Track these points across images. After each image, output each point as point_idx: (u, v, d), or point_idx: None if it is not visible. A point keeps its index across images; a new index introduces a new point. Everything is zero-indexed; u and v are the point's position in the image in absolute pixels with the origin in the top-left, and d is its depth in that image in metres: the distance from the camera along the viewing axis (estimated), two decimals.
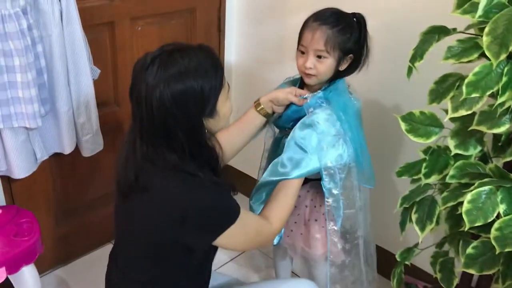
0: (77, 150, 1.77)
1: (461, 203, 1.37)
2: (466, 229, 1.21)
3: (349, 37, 1.35)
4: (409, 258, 1.55)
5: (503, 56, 1.04)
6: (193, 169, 1.12)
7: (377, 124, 1.87)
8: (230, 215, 1.15)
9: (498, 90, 1.09)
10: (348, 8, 1.40)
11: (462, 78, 1.24)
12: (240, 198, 1.19)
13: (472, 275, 1.52)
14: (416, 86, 1.41)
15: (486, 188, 1.20)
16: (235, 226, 1.14)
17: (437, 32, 1.26)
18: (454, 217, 1.46)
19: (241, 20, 2.25)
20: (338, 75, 1.42)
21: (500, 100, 1.10)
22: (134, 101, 1.12)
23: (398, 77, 1.65)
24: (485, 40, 1.06)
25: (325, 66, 1.37)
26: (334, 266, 1.54)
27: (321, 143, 1.35)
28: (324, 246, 1.57)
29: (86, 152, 1.78)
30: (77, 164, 1.94)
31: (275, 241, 1.60)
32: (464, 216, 1.20)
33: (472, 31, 1.26)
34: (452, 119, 1.34)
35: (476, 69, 1.09)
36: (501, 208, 1.18)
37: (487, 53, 1.06)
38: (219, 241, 1.15)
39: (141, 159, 1.13)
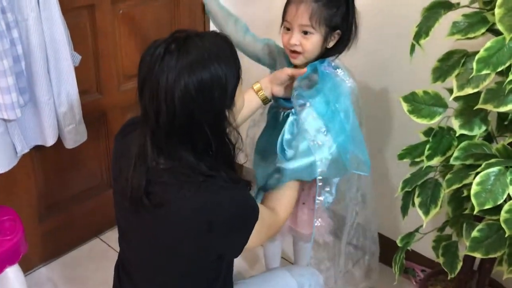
0: (59, 142, 1.67)
1: (466, 185, 1.33)
2: (475, 212, 1.16)
3: (336, 12, 1.27)
4: (410, 243, 1.51)
5: None
6: (210, 168, 1.03)
7: (376, 107, 1.81)
8: (254, 214, 1.08)
9: (509, 66, 1.04)
10: None
11: (467, 54, 1.19)
12: None
13: (475, 258, 1.49)
14: (416, 66, 1.35)
15: (495, 169, 1.16)
16: (256, 225, 1.08)
17: (441, 7, 1.20)
18: (457, 200, 1.42)
19: (227, 0, 2.15)
20: (325, 53, 1.34)
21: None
22: (147, 97, 0.99)
23: (397, 56, 1.62)
24: (497, 12, 1.00)
25: (311, 43, 1.29)
26: (316, 244, 1.52)
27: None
28: (311, 227, 1.53)
29: (69, 144, 1.68)
30: (60, 156, 1.85)
31: None
32: (473, 199, 1.16)
33: (476, 5, 1.20)
34: (456, 98, 1.29)
35: (488, 44, 1.04)
36: (511, 189, 1.14)
37: (499, 27, 1.01)
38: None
39: (153, 164, 1.03)
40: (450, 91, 1.28)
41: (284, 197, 1.27)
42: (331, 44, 1.32)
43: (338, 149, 1.25)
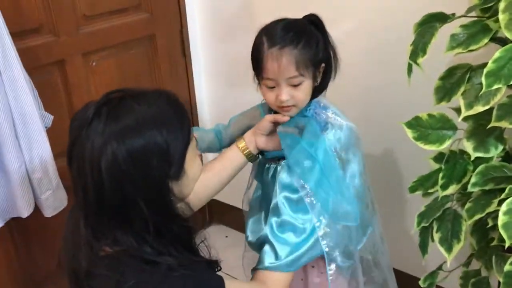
0: (39, 210, 1.53)
1: (490, 213, 1.19)
2: (507, 245, 1.01)
3: (316, 47, 1.12)
4: (434, 283, 1.35)
5: None
6: (156, 252, 0.86)
7: (378, 138, 1.68)
8: None
9: None
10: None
11: (472, 69, 1.07)
12: (225, 231, 0.95)
13: None
14: (416, 88, 1.22)
15: None
16: None
17: (435, 20, 1.08)
18: (481, 229, 1.27)
19: (206, 40, 2.06)
20: (315, 91, 1.18)
21: None
22: (74, 169, 0.85)
23: (393, 79, 1.50)
24: (502, 18, 0.88)
25: (303, 91, 1.13)
26: None
27: None
28: None
29: (48, 212, 1.54)
30: (43, 226, 1.69)
31: None
32: (502, 231, 1.01)
33: (474, 13, 1.08)
34: (465, 118, 1.15)
35: (497, 54, 0.91)
36: None
37: (506, 34, 0.88)
38: None
39: (89, 245, 0.86)
40: (457, 110, 1.15)
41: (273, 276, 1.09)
42: (319, 80, 1.17)
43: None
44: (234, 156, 1.23)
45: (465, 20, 1.07)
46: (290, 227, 1.09)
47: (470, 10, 1.06)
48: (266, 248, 1.11)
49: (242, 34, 1.93)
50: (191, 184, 0.94)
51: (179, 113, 0.88)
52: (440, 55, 1.06)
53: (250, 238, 1.28)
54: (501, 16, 0.88)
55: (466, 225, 1.16)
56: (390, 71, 1.54)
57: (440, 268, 1.34)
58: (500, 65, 0.91)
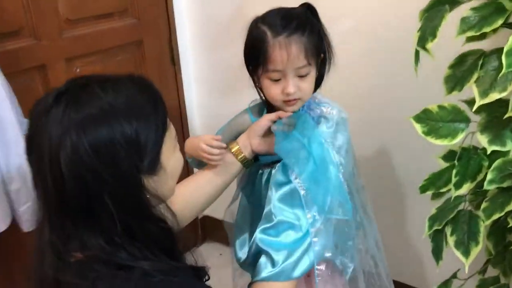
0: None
1: (510, 212, 1.10)
2: None
3: (318, 35, 1.06)
4: None
5: None
6: (131, 256, 0.75)
7: (383, 135, 1.59)
8: None
9: None
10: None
11: (485, 54, 0.99)
12: (219, 249, 0.84)
13: None
14: (422, 81, 1.14)
15: None
16: None
17: (445, 2, 1.00)
18: (499, 231, 1.18)
19: (196, 48, 1.98)
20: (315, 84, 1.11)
21: None
22: (33, 162, 0.75)
23: (398, 73, 1.43)
24: None
25: (311, 83, 1.06)
26: None
27: None
28: None
29: (26, 226, 1.41)
30: (23, 243, 1.57)
31: None
32: None
33: None
34: (477, 111, 1.07)
35: None
36: None
37: None
38: None
39: (55, 255, 0.75)
40: (469, 103, 1.07)
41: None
42: (317, 72, 1.10)
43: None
44: (227, 162, 1.13)
45: (475, 4, 1.00)
46: (286, 226, 1.01)
47: None
48: (261, 259, 1.01)
49: (233, 41, 1.84)
50: (170, 181, 0.83)
51: (152, 100, 0.78)
52: (448, 47, 0.99)
53: (240, 255, 1.17)
54: None
55: (483, 225, 1.07)
56: (393, 67, 1.47)
57: (454, 276, 1.23)
58: None
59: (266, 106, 1.17)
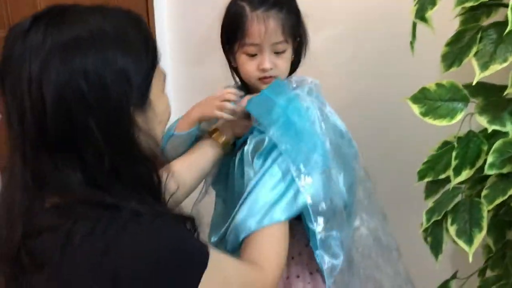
0: None
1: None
2: None
3: (297, 17, 1.06)
4: None
5: None
6: (114, 195, 0.67)
7: (375, 126, 1.54)
8: (195, 260, 0.68)
9: None
10: None
11: (483, 29, 0.97)
12: None
13: None
14: (417, 65, 1.12)
15: None
16: (209, 278, 0.67)
17: None
18: (499, 225, 1.12)
19: (176, 64, 1.94)
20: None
21: None
22: (8, 92, 0.67)
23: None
24: None
25: (286, 61, 1.05)
26: None
27: None
28: None
29: None
30: None
31: None
32: None
33: None
34: (474, 92, 1.05)
35: None
36: None
37: None
38: None
39: (28, 195, 0.67)
40: (466, 86, 1.04)
41: (266, 245, 0.91)
42: (292, 57, 1.08)
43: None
44: (207, 147, 1.06)
45: None
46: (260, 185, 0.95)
47: None
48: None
49: (213, 58, 1.83)
50: (158, 126, 0.75)
51: (143, 32, 0.71)
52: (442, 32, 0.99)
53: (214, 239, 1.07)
54: None
55: (486, 211, 1.01)
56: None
57: (454, 276, 1.16)
58: None
59: (244, 89, 1.13)
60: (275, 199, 0.93)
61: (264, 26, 0.99)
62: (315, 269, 1.16)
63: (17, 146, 0.67)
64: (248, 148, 1.02)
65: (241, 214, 0.94)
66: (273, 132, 0.97)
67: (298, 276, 1.16)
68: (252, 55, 1.03)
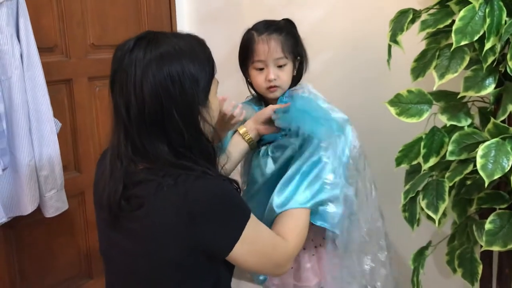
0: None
1: (467, 178, 1.35)
2: (486, 184, 1.16)
3: (295, 40, 1.38)
4: (423, 261, 1.45)
5: None
6: (190, 161, 0.98)
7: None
8: (241, 208, 1.00)
9: (484, 35, 1.14)
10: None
11: (440, 48, 1.29)
12: None
13: (492, 264, 1.44)
14: (392, 77, 1.44)
15: (493, 141, 1.19)
16: (248, 229, 0.99)
17: (407, 11, 1.32)
18: (461, 203, 1.42)
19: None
20: (293, 82, 1.41)
21: (488, 45, 1.14)
22: (117, 90, 0.98)
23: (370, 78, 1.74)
24: None
25: (287, 73, 1.36)
26: None
27: None
28: (316, 275, 1.44)
29: (50, 211, 1.58)
30: (36, 241, 1.71)
31: (262, 277, 1.41)
32: (481, 172, 1.16)
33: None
34: (438, 98, 1.36)
35: (461, 13, 1.14)
36: None
37: None
38: (237, 251, 0.98)
39: (127, 161, 0.98)
40: (431, 93, 1.35)
41: (292, 223, 1.18)
42: (294, 72, 1.40)
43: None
44: (236, 141, 1.36)
45: (431, 12, 1.32)
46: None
47: (427, 9, 1.32)
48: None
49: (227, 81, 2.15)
50: (214, 118, 1.07)
51: (207, 51, 1.04)
52: (411, 52, 1.31)
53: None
54: None
55: (447, 186, 1.30)
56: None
57: (429, 244, 1.44)
58: (465, 22, 1.14)
59: (257, 99, 1.45)
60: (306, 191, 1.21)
61: (267, 46, 1.32)
62: (319, 244, 1.44)
63: (121, 127, 0.97)
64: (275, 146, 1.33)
65: (278, 197, 1.21)
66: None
67: (304, 249, 1.43)
68: (260, 69, 1.35)
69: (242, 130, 1.36)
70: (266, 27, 1.35)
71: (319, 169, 1.22)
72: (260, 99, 1.45)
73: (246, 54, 1.36)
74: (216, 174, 0.99)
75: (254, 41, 1.34)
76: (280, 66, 1.34)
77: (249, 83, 1.45)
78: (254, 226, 1.01)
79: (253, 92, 1.47)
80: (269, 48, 1.32)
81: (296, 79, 1.42)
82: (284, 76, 1.35)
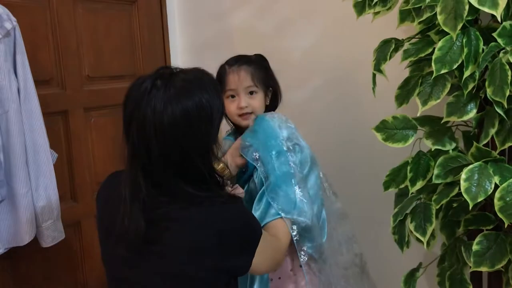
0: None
1: (454, 200, 1.38)
2: (470, 207, 1.19)
3: (265, 71, 1.44)
4: (414, 283, 1.47)
5: (460, 26, 1.15)
6: (208, 191, 1.04)
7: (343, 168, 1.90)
8: (259, 227, 1.09)
9: (462, 63, 1.18)
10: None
11: (423, 75, 1.34)
12: None
13: (481, 281, 1.46)
14: (377, 104, 1.49)
15: (476, 164, 1.23)
16: (261, 241, 1.08)
17: (390, 41, 1.38)
18: (449, 225, 1.45)
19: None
20: (265, 110, 1.46)
21: (467, 73, 1.19)
22: (134, 132, 1.00)
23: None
24: (440, 18, 1.17)
25: (258, 100, 1.42)
26: None
27: None
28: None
29: (47, 241, 1.60)
30: (33, 265, 1.73)
31: None
32: (465, 195, 1.20)
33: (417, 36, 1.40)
34: (422, 124, 1.40)
35: (440, 43, 1.19)
36: (496, 179, 1.20)
37: (445, 29, 1.17)
38: (253, 264, 1.06)
39: (149, 197, 1.01)
40: (415, 119, 1.39)
41: (278, 225, 1.26)
42: (268, 101, 1.46)
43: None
44: None
45: (412, 41, 1.37)
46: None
47: (408, 39, 1.37)
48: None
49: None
50: (221, 152, 1.16)
51: (216, 86, 1.09)
52: (394, 79, 1.36)
53: None
54: (439, 17, 1.17)
55: (434, 209, 1.34)
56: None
57: (419, 266, 1.47)
58: (444, 52, 1.19)
59: (236, 131, 1.50)
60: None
61: (237, 75, 1.39)
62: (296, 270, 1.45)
63: (138, 166, 1.01)
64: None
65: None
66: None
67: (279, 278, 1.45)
68: (232, 97, 1.41)
69: (219, 166, 1.36)
70: (237, 60, 1.43)
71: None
72: (236, 131, 1.51)
73: (221, 81, 1.42)
74: (231, 197, 1.07)
75: (226, 73, 1.41)
76: (251, 93, 1.41)
77: (225, 114, 1.47)
78: (263, 238, 1.09)
79: (231, 124, 1.51)
80: (239, 77, 1.39)
81: (269, 109, 1.47)
82: (255, 103, 1.41)
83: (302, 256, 1.33)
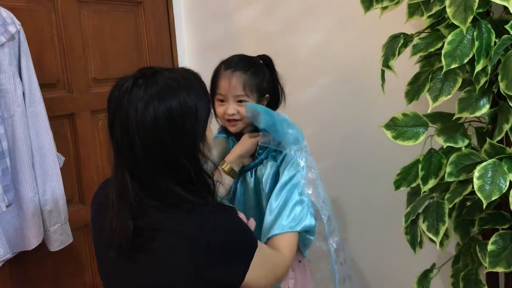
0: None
1: (467, 199, 1.34)
2: (484, 206, 1.15)
3: (263, 78, 1.38)
4: (428, 284, 1.43)
5: (470, 19, 1.11)
6: (197, 196, 1.00)
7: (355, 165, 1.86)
8: (251, 239, 1.03)
9: (473, 57, 1.15)
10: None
11: (433, 71, 1.30)
12: None
13: (498, 281, 1.42)
14: (387, 100, 1.45)
15: (490, 161, 1.19)
16: (257, 255, 1.02)
17: (398, 36, 1.34)
18: (463, 224, 1.41)
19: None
20: None
21: (478, 67, 1.15)
22: (118, 132, 0.97)
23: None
24: (449, 11, 1.14)
25: None
26: None
27: None
28: None
29: (55, 245, 1.59)
30: (42, 270, 1.73)
31: None
32: (478, 194, 1.16)
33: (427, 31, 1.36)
34: (434, 120, 1.36)
35: (449, 37, 1.15)
36: (511, 176, 1.16)
37: (455, 22, 1.13)
38: (248, 277, 1.01)
39: (136, 199, 0.98)
40: (426, 116, 1.36)
41: (286, 242, 1.22)
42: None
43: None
44: (222, 178, 1.35)
45: (421, 36, 1.34)
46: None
47: (418, 33, 1.34)
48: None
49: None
50: (209, 150, 1.08)
51: (202, 85, 1.05)
52: (404, 76, 1.32)
53: None
54: (448, 10, 1.13)
55: (447, 208, 1.30)
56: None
57: (433, 267, 1.43)
58: (454, 46, 1.15)
59: (224, 130, 1.46)
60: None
61: (228, 82, 1.33)
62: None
63: (124, 167, 0.98)
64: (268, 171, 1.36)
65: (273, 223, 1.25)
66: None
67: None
68: (222, 101, 1.36)
69: (227, 167, 1.36)
70: (235, 63, 1.36)
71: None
72: (227, 130, 1.45)
73: (212, 85, 1.38)
74: (222, 206, 1.02)
75: (220, 75, 1.36)
76: (240, 101, 1.34)
77: (215, 112, 1.44)
78: (260, 251, 1.03)
79: (220, 122, 1.46)
80: (230, 85, 1.33)
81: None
82: (244, 111, 1.35)
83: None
